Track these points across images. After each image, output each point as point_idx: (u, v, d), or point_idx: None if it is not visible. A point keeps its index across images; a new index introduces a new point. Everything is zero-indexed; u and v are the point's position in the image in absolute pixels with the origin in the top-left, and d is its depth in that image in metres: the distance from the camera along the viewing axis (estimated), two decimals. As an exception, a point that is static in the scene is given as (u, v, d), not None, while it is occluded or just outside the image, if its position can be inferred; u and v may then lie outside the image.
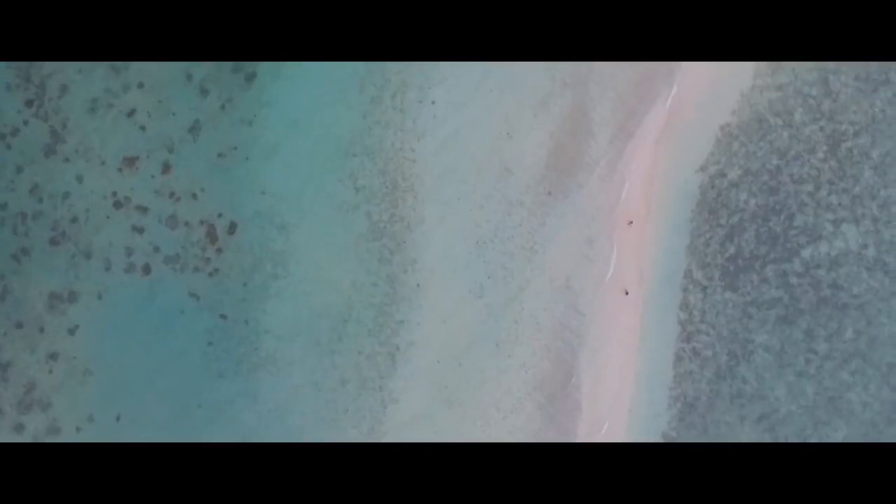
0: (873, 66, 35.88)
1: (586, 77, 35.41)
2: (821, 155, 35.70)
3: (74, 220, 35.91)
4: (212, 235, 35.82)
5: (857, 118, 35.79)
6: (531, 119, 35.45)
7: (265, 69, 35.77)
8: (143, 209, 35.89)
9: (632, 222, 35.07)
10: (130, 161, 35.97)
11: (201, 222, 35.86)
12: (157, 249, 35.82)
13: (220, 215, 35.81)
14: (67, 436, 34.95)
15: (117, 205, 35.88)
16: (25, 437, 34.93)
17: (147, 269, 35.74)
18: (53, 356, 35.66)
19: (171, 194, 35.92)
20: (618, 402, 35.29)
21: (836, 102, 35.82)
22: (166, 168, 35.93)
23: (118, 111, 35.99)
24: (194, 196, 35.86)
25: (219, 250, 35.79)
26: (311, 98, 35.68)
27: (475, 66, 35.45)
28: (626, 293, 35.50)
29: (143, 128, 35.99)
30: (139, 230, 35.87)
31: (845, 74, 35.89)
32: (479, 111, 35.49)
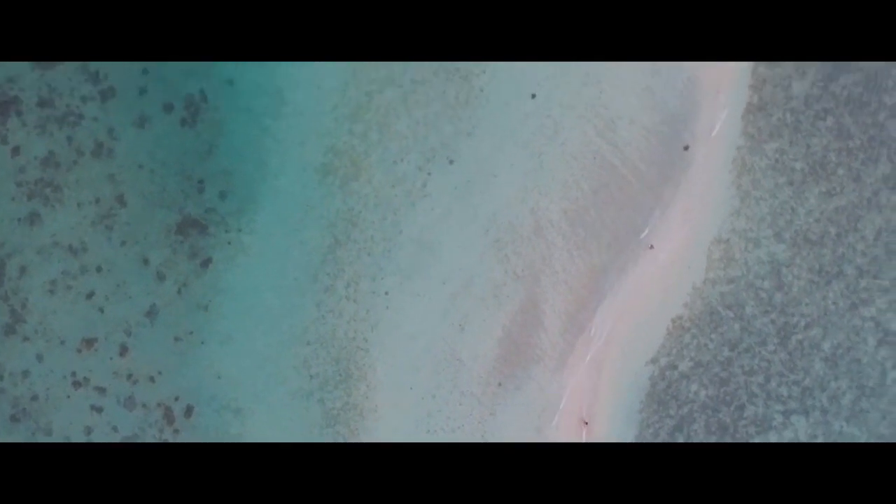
0: (826, 259, 35.94)
1: (539, 270, 35.60)
2: (771, 347, 35.91)
3: (35, 398, 36.52)
4: (169, 417, 36.41)
5: (809, 310, 35.93)
6: (483, 311, 35.74)
7: (220, 256, 36.07)
8: (102, 390, 36.46)
9: (587, 423, 35.48)
10: (89, 342, 36.47)
11: (158, 404, 36.42)
12: (115, 429, 36.44)
13: (176, 398, 36.36)
14: None
15: (76, 385, 36.45)
16: None
17: (106, 448, 36.37)
18: (16, 529, 36.46)
19: (129, 376, 36.46)
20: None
21: (787, 295, 35.94)
22: (124, 350, 36.44)
23: (77, 293, 36.41)
24: (151, 379, 36.40)
25: (176, 432, 36.39)
26: (266, 286, 36.01)
27: (428, 258, 35.70)
28: (576, 480, 35.92)
29: (101, 310, 36.44)
30: (98, 410, 36.47)
31: (798, 267, 35.97)
32: (431, 302, 35.78)
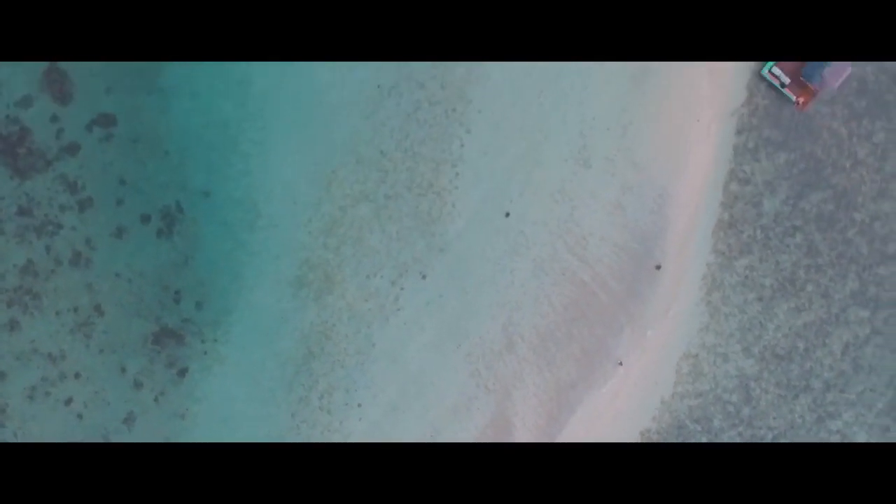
0: (794, 373, 36.40)
1: (509, 384, 36.11)
2: (739, 460, 36.38)
3: (15, 500, 37.17)
4: (146, 521, 37.03)
5: (776, 423, 36.46)
6: (455, 423, 36.29)
7: (197, 366, 36.60)
8: (81, 494, 37.05)
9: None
10: (68, 448, 37.05)
11: (136, 509, 37.04)
12: (94, 532, 37.07)
13: (154, 503, 36.96)
14: None
15: (56, 488, 37.04)
16: None
17: (85, 550, 37.08)
18: None
19: (107, 481, 37.05)
20: None
21: (755, 409, 36.45)
22: (102, 456, 37.01)
23: (55, 399, 36.99)
24: (129, 484, 36.98)
25: (153, 535, 37.02)
26: (242, 395, 36.55)
27: (400, 371, 36.21)
28: (545, 586, 36.61)
29: (79, 416, 37.04)
30: (77, 513, 37.10)
31: (766, 381, 36.45)
32: (404, 414, 36.34)
